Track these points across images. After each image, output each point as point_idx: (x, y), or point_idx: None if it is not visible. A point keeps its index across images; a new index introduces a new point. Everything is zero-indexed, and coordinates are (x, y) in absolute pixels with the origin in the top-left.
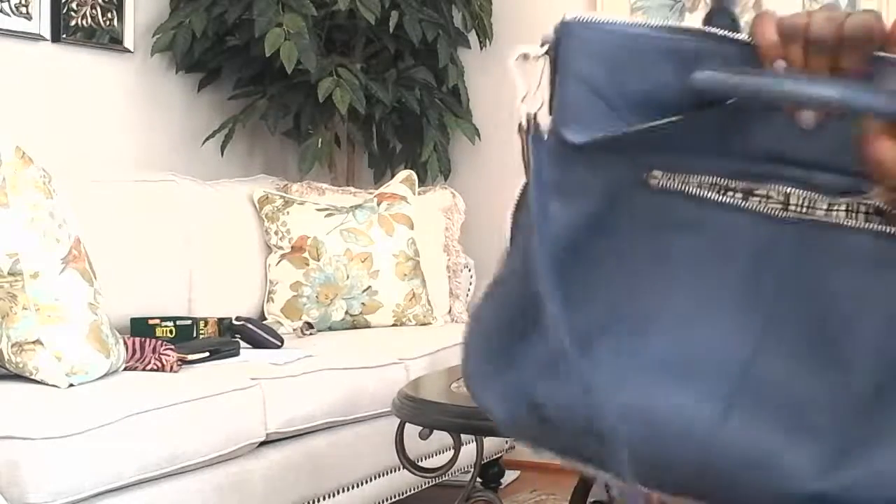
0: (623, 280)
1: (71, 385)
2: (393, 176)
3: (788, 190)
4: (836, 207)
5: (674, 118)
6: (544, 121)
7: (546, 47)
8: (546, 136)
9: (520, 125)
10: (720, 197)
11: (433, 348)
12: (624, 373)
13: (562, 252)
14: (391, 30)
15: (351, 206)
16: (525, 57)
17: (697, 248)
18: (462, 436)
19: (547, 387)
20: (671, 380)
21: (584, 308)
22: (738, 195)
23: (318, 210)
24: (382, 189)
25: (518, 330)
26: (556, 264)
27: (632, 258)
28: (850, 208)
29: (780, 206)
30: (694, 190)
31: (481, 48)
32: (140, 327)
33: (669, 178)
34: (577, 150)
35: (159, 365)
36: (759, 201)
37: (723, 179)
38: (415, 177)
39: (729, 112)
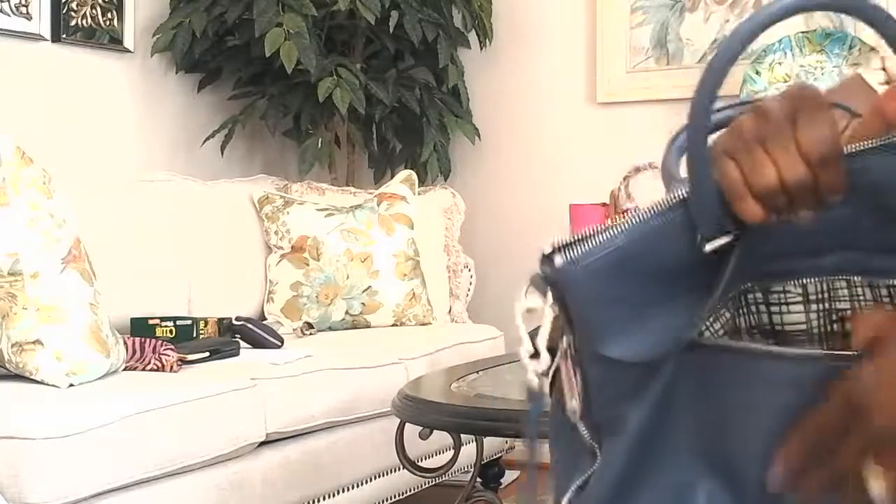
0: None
1: (71, 385)
2: (393, 176)
3: (804, 280)
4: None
5: (719, 292)
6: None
7: (548, 296)
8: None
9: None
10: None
11: (433, 348)
12: None
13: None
14: (391, 30)
15: (351, 206)
16: (530, 310)
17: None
18: (462, 436)
19: None
20: None
21: None
22: (759, 294)
23: (318, 210)
24: (382, 189)
25: None
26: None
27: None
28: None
29: (799, 298)
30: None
31: (481, 48)
32: (140, 327)
33: (711, 326)
34: (618, 363)
35: (159, 365)
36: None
37: (744, 285)
38: (415, 177)
39: (742, 247)
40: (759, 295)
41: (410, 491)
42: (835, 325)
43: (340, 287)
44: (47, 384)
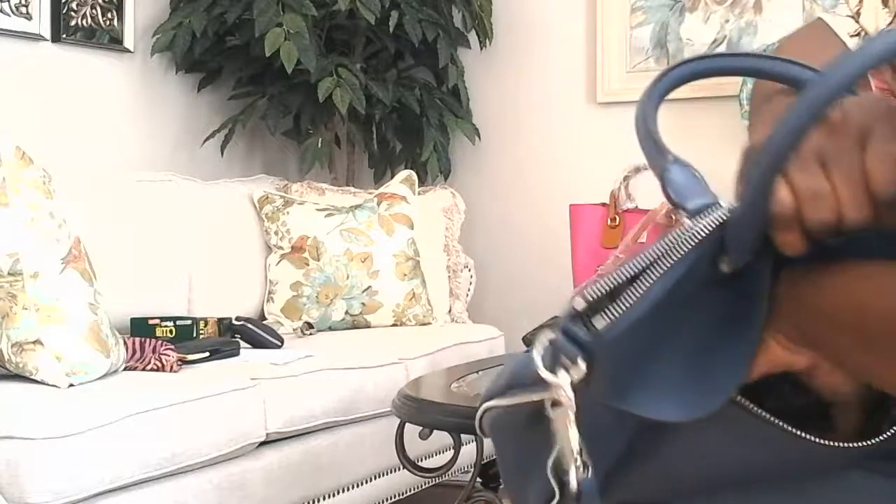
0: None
1: (71, 385)
2: (393, 176)
3: None
4: None
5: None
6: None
7: (584, 368)
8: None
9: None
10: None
11: (433, 348)
12: None
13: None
14: (391, 30)
15: (351, 206)
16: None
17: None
18: (462, 436)
19: None
20: None
21: None
22: None
23: (318, 210)
24: (382, 189)
25: None
26: None
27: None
28: None
29: None
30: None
31: (481, 48)
32: (140, 327)
33: None
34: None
35: (159, 365)
36: None
37: None
38: (415, 177)
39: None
40: None
41: (410, 491)
42: None
43: (340, 287)
44: (47, 384)
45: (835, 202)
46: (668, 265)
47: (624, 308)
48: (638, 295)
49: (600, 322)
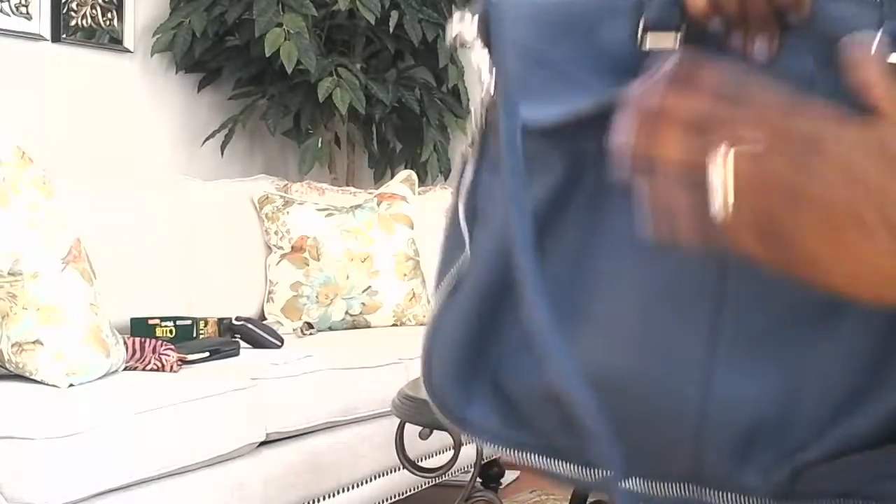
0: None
1: (71, 385)
2: (393, 176)
3: None
4: None
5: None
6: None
7: (476, 24)
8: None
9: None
10: None
11: None
12: (592, 343)
13: (534, 232)
14: (391, 30)
15: (351, 206)
16: (459, 41)
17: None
18: (462, 436)
19: (514, 364)
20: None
21: (556, 288)
22: None
23: (318, 210)
24: (382, 189)
25: (490, 325)
26: (533, 245)
27: (599, 233)
28: None
29: None
30: None
31: None
32: (140, 327)
33: None
34: (534, 128)
35: (159, 365)
36: None
37: None
38: (415, 177)
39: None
40: None
41: (410, 491)
42: None
43: (340, 287)
44: (47, 384)
45: None
46: None
47: None
48: None
49: None
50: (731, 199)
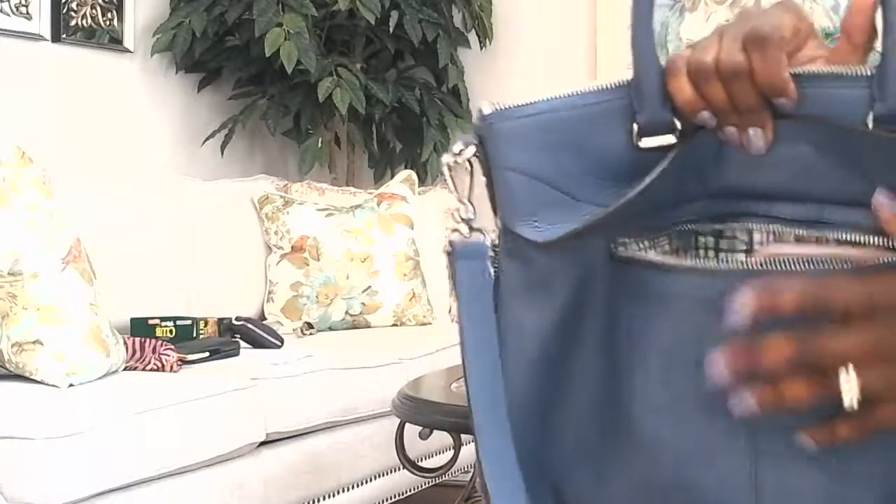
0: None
1: (71, 385)
2: (393, 176)
3: (751, 226)
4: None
5: (641, 187)
6: (486, 224)
7: (472, 148)
8: (496, 240)
9: (449, 240)
10: (686, 257)
11: (433, 348)
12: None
13: (536, 363)
14: (391, 30)
15: (351, 206)
16: (454, 161)
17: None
18: (462, 436)
19: None
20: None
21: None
22: (710, 239)
23: (318, 210)
24: (382, 189)
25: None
26: (529, 379)
27: (610, 343)
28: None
29: (744, 245)
30: (658, 257)
31: (481, 48)
32: (140, 327)
33: (636, 244)
34: (537, 246)
35: (159, 365)
36: (727, 246)
37: (693, 225)
38: (415, 177)
39: (685, 156)
40: (710, 239)
41: (410, 491)
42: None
43: (340, 287)
44: (47, 384)
45: (716, 51)
46: (573, 97)
47: (519, 108)
48: (538, 108)
49: (487, 109)
50: (859, 397)
